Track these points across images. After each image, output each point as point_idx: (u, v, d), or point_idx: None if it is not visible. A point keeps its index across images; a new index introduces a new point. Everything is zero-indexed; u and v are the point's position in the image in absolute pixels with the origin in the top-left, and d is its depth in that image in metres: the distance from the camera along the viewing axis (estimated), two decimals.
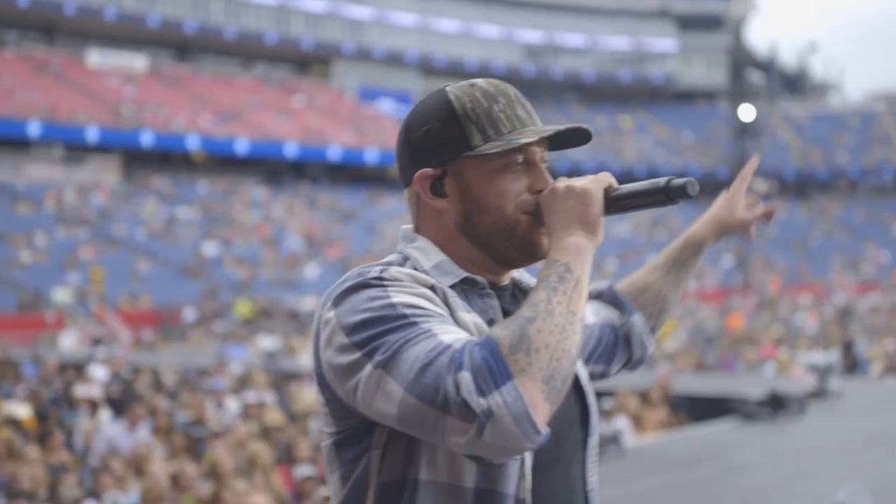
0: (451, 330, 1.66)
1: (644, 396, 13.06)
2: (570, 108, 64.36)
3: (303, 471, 8.22)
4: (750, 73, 57.86)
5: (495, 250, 1.86)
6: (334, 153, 50.88)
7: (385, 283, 1.72)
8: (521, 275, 1.99)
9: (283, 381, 15.54)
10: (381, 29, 61.43)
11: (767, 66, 72.91)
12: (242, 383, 14.77)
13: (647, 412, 12.56)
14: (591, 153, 58.25)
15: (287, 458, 8.98)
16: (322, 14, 59.50)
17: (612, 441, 9.92)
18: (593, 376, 2.30)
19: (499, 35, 64.97)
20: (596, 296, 2.39)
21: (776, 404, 12.43)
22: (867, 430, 11.55)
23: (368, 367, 1.64)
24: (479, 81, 1.88)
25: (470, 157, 1.83)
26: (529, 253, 1.86)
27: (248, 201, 45.15)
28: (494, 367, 1.57)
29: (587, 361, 2.27)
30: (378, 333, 1.64)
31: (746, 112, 44.41)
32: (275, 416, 10.30)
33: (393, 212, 47.90)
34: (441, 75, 62.67)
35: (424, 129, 1.87)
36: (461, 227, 1.86)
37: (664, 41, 67.88)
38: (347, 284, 1.73)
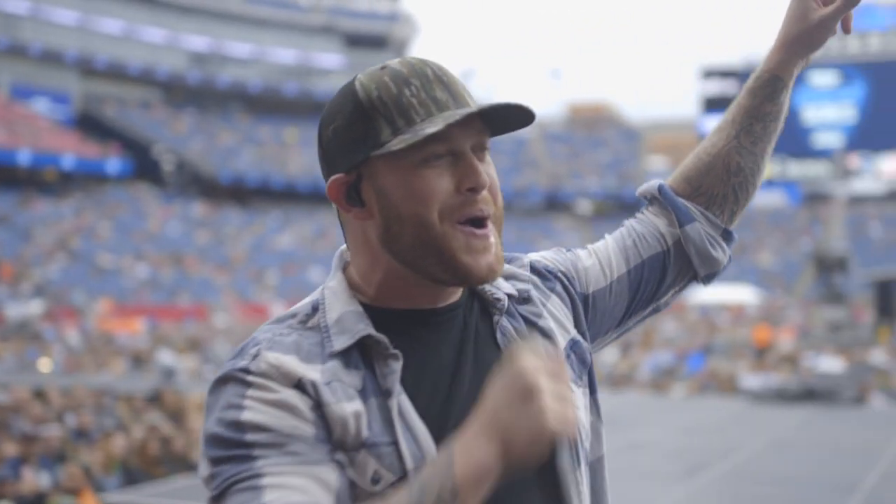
0: (285, 479, 1.41)
1: None
2: (236, 118, 63.94)
3: None
4: None
5: (422, 270, 1.53)
6: None
7: (248, 381, 1.46)
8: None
9: None
10: (37, 25, 58.58)
11: None
12: None
13: None
14: (257, 164, 58.12)
15: None
16: None
17: None
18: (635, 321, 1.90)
19: (164, 39, 63.60)
20: (649, 200, 1.93)
21: None
22: None
23: (208, 493, 1.48)
24: (393, 63, 1.57)
25: (380, 155, 1.51)
26: (461, 276, 1.52)
27: None
28: None
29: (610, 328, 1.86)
30: (219, 458, 1.44)
31: None
32: None
33: (47, 216, 45.77)
34: (102, 77, 60.59)
35: (332, 127, 1.57)
36: (383, 241, 1.54)
37: (330, 57, 68.79)
38: (220, 373, 1.51)
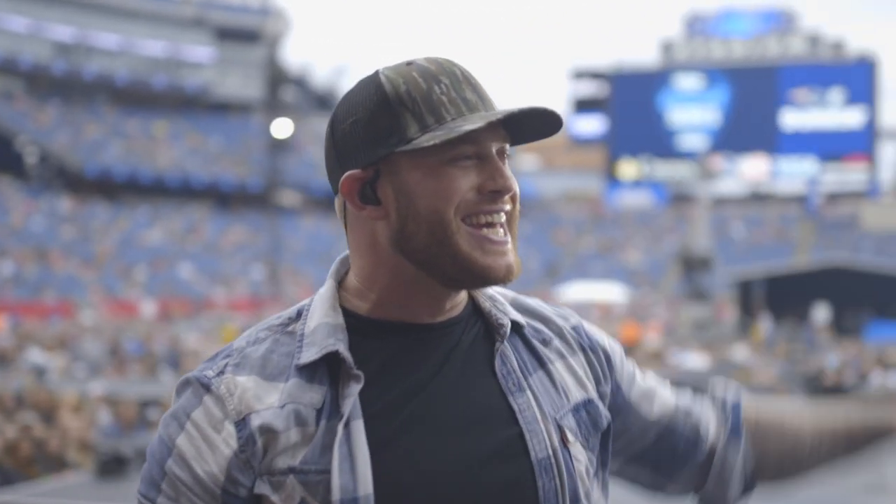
0: None
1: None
2: (103, 110, 62.58)
3: None
4: (284, 88, 59.30)
5: (436, 268, 1.47)
6: None
7: (202, 398, 1.48)
8: (493, 304, 1.59)
9: None
10: None
11: (300, 83, 74.96)
12: None
13: None
14: (124, 158, 57.02)
15: None
16: None
17: None
18: (628, 475, 1.75)
19: (28, 28, 61.84)
20: (714, 398, 1.81)
21: None
22: None
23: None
24: (419, 59, 1.52)
25: (405, 151, 1.45)
26: (478, 277, 1.47)
27: None
28: None
29: (624, 454, 1.71)
30: (147, 461, 1.51)
31: (282, 127, 45.47)
32: None
33: None
34: None
35: (351, 120, 1.49)
36: (396, 241, 1.48)
37: (201, 50, 67.87)
38: (190, 373, 1.53)
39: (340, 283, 1.57)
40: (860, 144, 61.77)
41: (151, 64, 66.29)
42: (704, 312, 31.67)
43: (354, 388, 1.45)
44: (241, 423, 1.45)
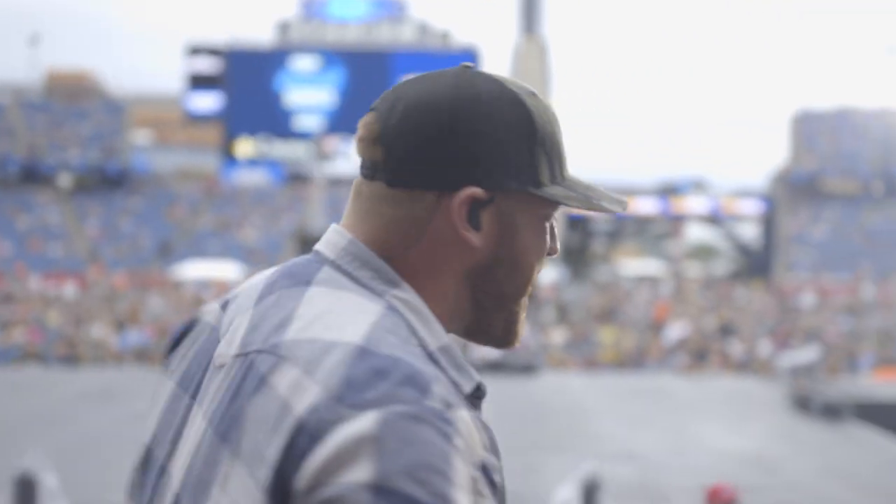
0: None
1: None
2: None
3: None
4: None
5: (485, 320, 1.31)
6: None
7: (450, 438, 1.10)
8: None
9: None
10: None
11: None
12: None
13: None
14: None
15: None
16: None
17: None
18: None
19: None
20: None
21: None
22: None
23: None
24: (531, 88, 1.34)
25: (533, 194, 1.28)
26: (511, 340, 1.34)
27: None
28: None
29: None
30: None
31: None
32: None
33: None
34: None
35: (495, 137, 1.26)
36: (475, 275, 1.29)
37: None
38: (403, 406, 1.10)
39: None
40: None
41: None
42: None
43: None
44: (483, 469, 1.14)
